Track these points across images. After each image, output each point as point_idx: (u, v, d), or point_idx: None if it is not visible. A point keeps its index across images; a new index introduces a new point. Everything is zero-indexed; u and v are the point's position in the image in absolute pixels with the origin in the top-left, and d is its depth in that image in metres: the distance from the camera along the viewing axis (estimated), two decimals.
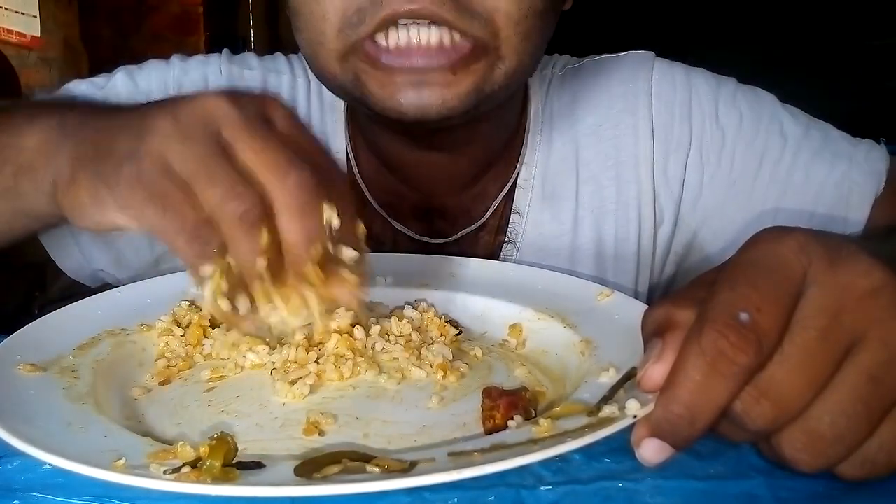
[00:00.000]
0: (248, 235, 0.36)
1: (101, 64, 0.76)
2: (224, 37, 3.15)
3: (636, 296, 0.70)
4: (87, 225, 0.41)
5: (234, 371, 0.47)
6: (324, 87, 0.73)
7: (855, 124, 0.72)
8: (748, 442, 0.36)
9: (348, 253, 0.39)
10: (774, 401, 0.31)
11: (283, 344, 0.48)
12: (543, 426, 0.35)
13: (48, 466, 0.35)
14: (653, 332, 0.35)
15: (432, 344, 0.49)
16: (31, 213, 0.49)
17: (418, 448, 0.38)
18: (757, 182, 0.69)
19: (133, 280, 0.72)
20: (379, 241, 0.71)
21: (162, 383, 0.46)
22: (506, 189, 0.71)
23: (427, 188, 0.70)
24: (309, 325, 0.47)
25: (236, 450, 0.35)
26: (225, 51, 0.76)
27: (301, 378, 0.44)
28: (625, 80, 0.72)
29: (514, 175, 0.71)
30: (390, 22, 0.53)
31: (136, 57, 0.76)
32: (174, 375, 0.47)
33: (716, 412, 0.31)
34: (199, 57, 0.76)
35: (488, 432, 0.39)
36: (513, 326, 0.53)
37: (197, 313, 0.51)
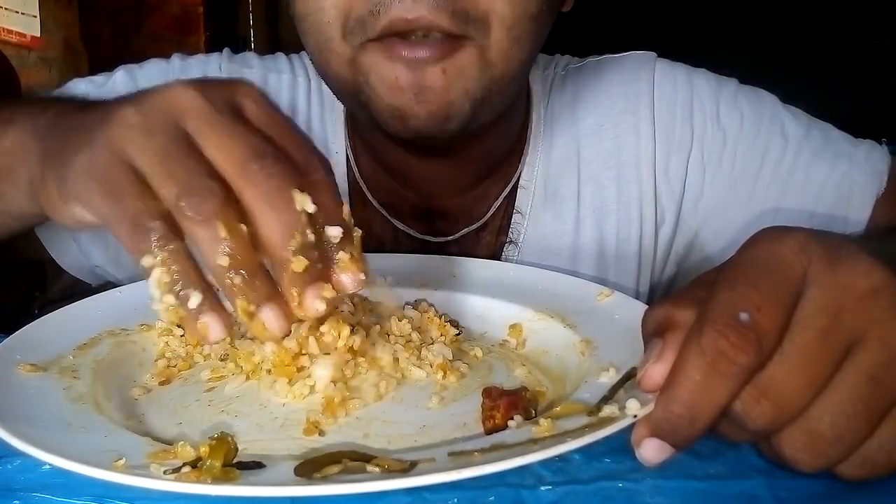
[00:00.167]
0: (206, 228, 0.34)
1: (101, 64, 0.76)
2: (224, 37, 3.15)
3: (637, 296, 0.70)
4: (63, 221, 0.41)
5: (233, 371, 0.47)
6: (324, 87, 0.73)
7: (855, 124, 0.72)
8: (748, 442, 0.36)
9: (332, 231, 0.37)
10: (774, 401, 0.31)
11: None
12: (543, 426, 0.35)
13: (48, 466, 0.35)
14: (653, 332, 0.35)
15: (432, 344, 0.49)
16: (14, 213, 0.50)
17: (418, 448, 0.38)
18: (758, 182, 0.69)
19: (132, 279, 0.72)
20: (379, 241, 0.71)
21: (162, 383, 0.46)
22: (507, 189, 0.71)
23: (427, 191, 0.70)
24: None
25: (236, 450, 0.35)
26: (225, 50, 0.76)
27: (301, 378, 0.44)
28: (626, 80, 0.72)
29: (516, 175, 0.71)
30: (390, 32, 0.52)
31: (136, 57, 0.76)
32: (174, 375, 0.47)
33: (716, 412, 0.31)
34: (200, 56, 0.76)
35: (488, 432, 0.39)
36: (513, 326, 0.53)
37: None
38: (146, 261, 0.35)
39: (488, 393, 0.40)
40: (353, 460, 0.34)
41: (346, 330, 0.44)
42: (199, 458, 0.33)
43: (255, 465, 0.34)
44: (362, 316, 0.49)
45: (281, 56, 0.78)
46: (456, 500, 0.34)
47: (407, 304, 0.56)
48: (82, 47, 2.98)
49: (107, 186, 0.36)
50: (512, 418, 0.38)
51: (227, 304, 0.36)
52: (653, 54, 0.74)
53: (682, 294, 0.36)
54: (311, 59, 0.61)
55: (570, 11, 0.65)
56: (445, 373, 0.46)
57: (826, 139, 0.69)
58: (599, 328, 0.48)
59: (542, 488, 0.35)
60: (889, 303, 0.31)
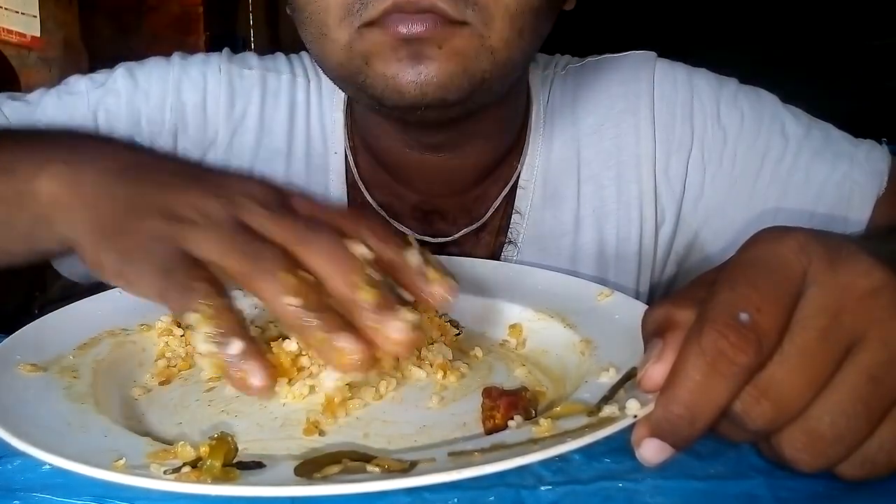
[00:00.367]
0: (271, 282, 0.36)
1: (101, 64, 0.76)
2: (224, 37, 3.15)
3: (637, 296, 0.70)
4: (106, 279, 0.43)
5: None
6: (323, 87, 0.73)
7: (855, 124, 0.72)
8: (748, 442, 0.36)
9: (412, 258, 0.40)
10: (774, 401, 0.31)
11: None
12: (543, 426, 0.35)
13: (48, 466, 0.35)
14: (653, 332, 0.35)
15: (432, 344, 0.49)
16: (47, 253, 0.51)
17: (418, 448, 0.38)
18: (758, 182, 0.69)
19: None
20: None
21: (162, 383, 0.46)
22: (506, 189, 0.71)
23: (427, 191, 0.70)
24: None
25: (236, 450, 0.35)
26: (225, 50, 0.76)
27: (301, 378, 0.44)
28: (626, 79, 0.72)
29: (515, 175, 0.71)
30: (391, 10, 0.52)
31: (135, 57, 0.76)
32: (174, 375, 0.47)
33: (716, 412, 0.31)
34: (200, 55, 0.76)
35: (488, 432, 0.39)
36: (513, 326, 0.52)
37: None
38: (191, 317, 0.36)
39: (488, 393, 0.40)
40: (353, 460, 0.34)
41: None
42: (199, 458, 0.33)
43: (256, 465, 0.34)
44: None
45: (280, 56, 0.78)
46: (456, 500, 0.34)
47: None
48: (82, 47, 2.98)
49: (162, 269, 0.39)
50: (512, 418, 0.38)
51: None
52: (653, 54, 0.74)
53: (682, 294, 0.36)
54: (308, 49, 0.61)
55: (570, 11, 0.65)
56: (445, 373, 0.46)
57: (826, 139, 0.69)
58: (599, 328, 0.48)
59: (542, 488, 0.35)
60: (889, 303, 0.31)
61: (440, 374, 0.46)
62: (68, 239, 0.45)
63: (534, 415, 0.39)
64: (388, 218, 0.71)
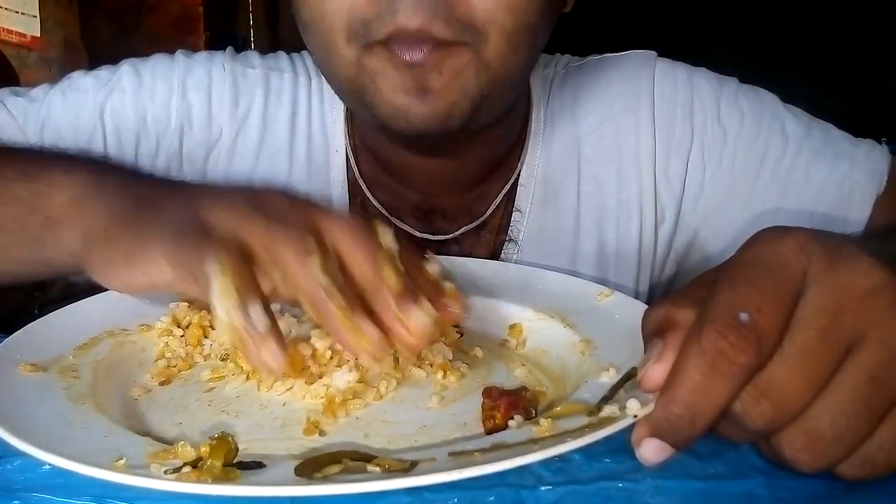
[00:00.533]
0: (301, 262, 0.36)
1: (101, 64, 0.76)
2: (224, 37, 3.15)
3: (637, 295, 0.70)
4: (113, 283, 0.43)
5: (233, 371, 0.47)
6: (325, 86, 0.73)
7: (855, 124, 0.72)
8: (748, 442, 0.36)
9: (432, 266, 0.41)
10: (774, 401, 0.31)
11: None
12: (543, 426, 0.35)
13: (48, 466, 0.35)
14: (653, 332, 0.35)
15: (432, 344, 0.49)
16: (51, 263, 0.50)
17: (418, 448, 0.38)
18: (758, 181, 0.69)
19: None
20: None
21: (162, 383, 0.46)
22: (507, 188, 0.71)
23: (427, 190, 0.71)
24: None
25: (237, 449, 0.35)
26: (229, 49, 0.76)
27: (301, 378, 0.44)
28: (627, 79, 0.72)
29: (516, 174, 0.71)
30: (392, 38, 0.53)
31: (136, 57, 0.76)
32: (174, 375, 0.47)
33: (716, 412, 0.31)
34: (204, 54, 0.76)
35: (488, 432, 0.39)
36: (513, 326, 0.53)
37: (197, 314, 0.51)
38: (210, 266, 0.36)
39: (488, 393, 0.40)
40: (354, 460, 0.34)
41: None
42: (199, 458, 0.33)
43: (256, 465, 0.34)
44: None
45: (282, 55, 0.78)
46: (456, 500, 0.34)
47: None
48: (82, 47, 2.98)
49: (176, 237, 0.39)
50: (512, 418, 0.38)
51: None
52: (653, 53, 0.74)
53: (682, 294, 0.36)
54: (314, 61, 0.62)
55: (570, 11, 0.65)
56: (445, 373, 0.46)
57: (826, 138, 0.69)
58: (599, 328, 0.48)
59: (542, 488, 0.35)
60: (889, 303, 0.31)
61: (440, 374, 0.46)
62: (77, 240, 0.45)
63: (534, 415, 0.39)
64: (388, 216, 0.71)
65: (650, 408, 0.33)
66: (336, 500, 0.32)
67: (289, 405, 0.43)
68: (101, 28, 3.05)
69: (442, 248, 0.70)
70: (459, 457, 0.33)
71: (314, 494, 0.31)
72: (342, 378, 0.43)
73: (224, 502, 0.33)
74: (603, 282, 0.69)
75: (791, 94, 0.72)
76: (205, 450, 0.34)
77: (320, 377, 0.44)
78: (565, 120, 0.72)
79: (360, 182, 0.72)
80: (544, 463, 0.36)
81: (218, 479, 0.32)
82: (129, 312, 0.52)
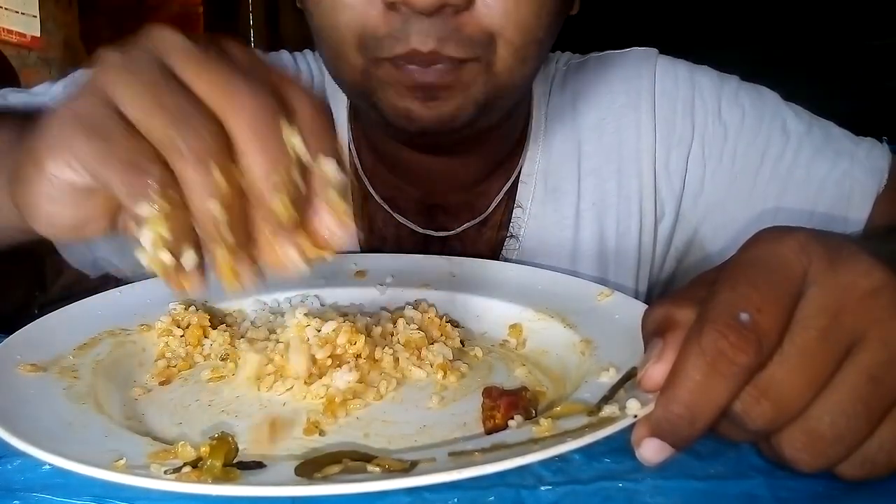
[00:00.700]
0: (200, 170, 0.31)
1: None
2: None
3: (636, 292, 0.71)
4: (41, 209, 0.36)
5: (234, 371, 0.47)
6: (327, 84, 0.74)
7: (855, 124, 0.72)
8: (748, 442, 0.36)
9: (327, 165, 0.34)
10: (774, 401, 0.31)
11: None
12: (543, 426, 0.35)
13: (48, 466, 0.35)
14: (653, 332, 0.35)
15: (432, 344, 0.49)
16: (9, 227, 0.45)
17: (419, 448, 0.38)
18: (758, 179, 0.69)
19: (135, 269, 0.72)
20: (381, 235, 0.72)
21: (162, 383, 0.46)
22: (508, 184, 0.71)
23: (429, 187, 0.71)
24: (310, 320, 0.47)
25: (237, 449, 0.35)
26: None
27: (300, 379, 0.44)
28: (628, 76, 0.72)
29: (517, 171, 0.71)
30: (403, 58, 0.54)
31: None
32: (174, 375, 0.47)
33: (716, 412, 0.31)
34: None
35: (488, 432, 0.39)
36: (513, 326, 0.53)
37: (196, 314, 0.51)
38: (143, 209, 0.32)
39: (488, 393, 0.40)
40: (354, 460, 0.34)
41: (360, 340, 0.46)
42: (199, 458, 0.33)
43: (256, 465, 0.34)
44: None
45: (285, 53, 0.78)
46: (456, 500, 0.34)
47: (407, 304, 0.56)
48: (82, 47, 2.98)
49: (92, 128, 0.33)
50: (512, 418, 0.38)
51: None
52: (654, 51, 0.74)
53: (682, 294, 0.36)
54: (323, 62, 0.62)
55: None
56: (445, 373, 0.46)
57: (827, 136, 0.69)
58: (599, 328, 0.48)
59: (542, 488, 0.35)
60: (889, 303, 0.31)
61: (440, 374, 0.46)
62: (5, 185, 0.39)
63: (534, 415, 0.39)
64: (390, 212, 0.71)
65: (650, 408, 0.33)
66: (336, 500, 0.32)
67: (289, 405, 0.43)
68: (101, 28, 3.04)
69: (444, 244, 0.71)
70: (459, 457, 0.33)
71: (314, 494, 0.31)
72: (342, 378, 0.43)
73: (224, 502, 0.33)
74: (603, 278, 0.69)
75: (791, 93, 0.72)
76: (205, 450, 0.34)
77: (320, 377, 0.44)
78: (566, 117, 0.72)
79: (363, 177, 0.72)
80: (544, 463, 0.36)
81: (218, 479, 0.32)
82: (129, 312, 0.52)
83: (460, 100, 0.56)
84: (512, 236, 0.71)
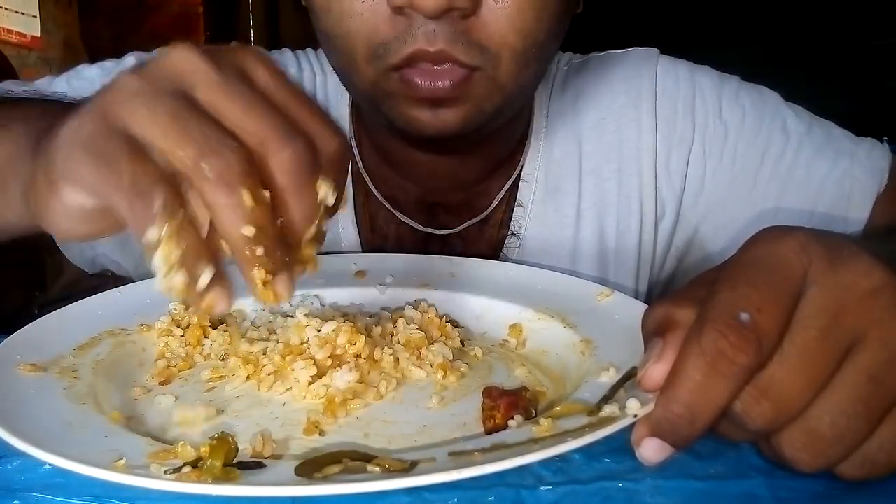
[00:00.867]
0: (230, 196, 0.31)
1: None
2: (224, 37, 3.14)
3: (636, 292, 0.71)
4: (57, 225, 0.36)
5: (234, 371, 0.47)
6: (329, 83, 0.74)
7: (855, 124, 0.72)
8: (748, 442, 0.36)
9: (324, 190, 0.34)
10: (774, 401, 0.31)
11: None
12: (544, 426, 0.35)
13: (48, 466, 0.35)
14: (653, 332, 0.35)
15: (432, 344, 0.50)
16: (8, 226, 0.47)
17: (418, 448, 0.38)
18: (758, 178, 0.69)
19: (136, 265, 0.72)
20: (382, 233, 0.72)
21: (162, 383, 0.46)
22: (509, 183, 0.71)
23: (431, 186, 0.71)
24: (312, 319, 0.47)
25: (237, 449, 0.35)
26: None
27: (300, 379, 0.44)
28: (629, 75, 0.72)
29: (518, 170, 0.71)
30: (410, 61, 0.54)
31: None
32: (174, 375, 0.47)
33: (716, 412, 0.31)
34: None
35: (488, 432, 0.39)
36: (513, 326, 0.53)
37: (196, 314, 0.51)
38: (152, 234, 0.31)
39: (488, 393, 0.40)
40: (354, 460, 0.34)
41: (360, 340, 0.46)
42: (199, 458, 0.33)
43: (256, 465, 0.34)
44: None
45: (287, 52, 0.78)
46: (456, 500, 0.34)
47: (407, 304, 0.56)
48: (82, 47, 2.98)
49: (98, 154, 0.32)
50: (512, 418, 0.38)
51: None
52: (655, 50, 0.74)
53: (682, 293, 0.36)
54: (332, 68, 0.63)
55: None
56: (445, 373, 0.46)
57: (828, 136, 0.69)
58: (599, 328, 0.48)
59: (542, 488, 0.35)
60: (889, 303, 0.31)
61: (440, 374, 0.46)
62: (19, 196, 0.40)
63: (534, 415, 0.39)
64: (391, 210, 0.71)
65: (650, 407, 0.33)
66: (336, 500, 0.32)
67: (289, 405, 0.43)
68: (101, 28, 3.04)
69: (445, 243, 0.71)
70: (459, 457, 0.33)
71: (314, 494, 0.31)
72: (342, 378, 0.43)
73: (224, 502, 0.33)
74: (603, 278, 0.69)
75: (791, 93, 0.72)
76: (205, 450, 0.34)
77: (320, 377, 0.44)
78: (567, 116, 0.72)
79: (365, 175, 0.72)
80: (544, 463, 0.36)
81: (218, 479, 0.32)
82: (130, 312, 0.52)
83: (467, 109, 0.56)
84: (513, 235, 0.71)
